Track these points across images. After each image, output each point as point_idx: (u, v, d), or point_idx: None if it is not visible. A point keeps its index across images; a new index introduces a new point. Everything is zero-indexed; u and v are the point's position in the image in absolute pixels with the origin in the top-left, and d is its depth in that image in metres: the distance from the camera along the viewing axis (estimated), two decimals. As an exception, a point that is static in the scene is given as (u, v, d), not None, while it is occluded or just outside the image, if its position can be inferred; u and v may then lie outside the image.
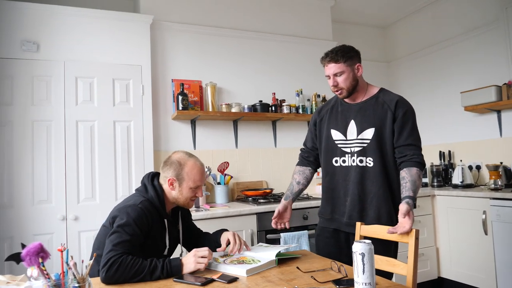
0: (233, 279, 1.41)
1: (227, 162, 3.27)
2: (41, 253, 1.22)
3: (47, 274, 1.21)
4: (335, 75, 1.89)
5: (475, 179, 3.62)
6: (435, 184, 3.74)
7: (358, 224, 1.81)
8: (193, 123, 3.32)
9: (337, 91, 1.92)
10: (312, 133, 2.12)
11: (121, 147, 2.93)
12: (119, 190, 2.89)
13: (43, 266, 1.22)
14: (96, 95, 2.89)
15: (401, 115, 1.84)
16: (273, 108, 3.49)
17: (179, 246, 1.88)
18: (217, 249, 1.81)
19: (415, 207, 1.72)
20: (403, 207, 1.66)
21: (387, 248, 1.82)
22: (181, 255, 1.89)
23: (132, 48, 3.03)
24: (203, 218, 2.61)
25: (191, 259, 1.52)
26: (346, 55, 1.87)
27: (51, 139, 2.74)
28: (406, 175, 1.77)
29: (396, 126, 1.85)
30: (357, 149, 1.90)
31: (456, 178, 3.51)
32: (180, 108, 3.07)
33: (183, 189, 1.70)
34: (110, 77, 2.94)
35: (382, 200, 1.84)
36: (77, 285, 1.22)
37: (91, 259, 1.39)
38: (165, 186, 1.71)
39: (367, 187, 1.87)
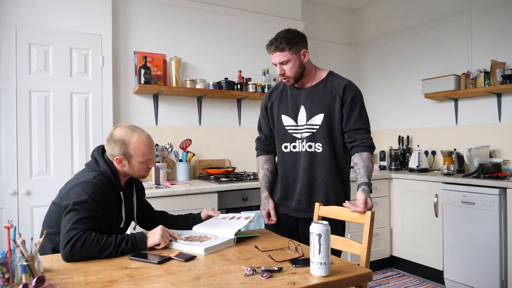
0: (190, 258, 1.40)
1: (190, 139, 3.21)
2: (-16, 230, 1.15)
3: (-9, 252, 1.15)
4: (281, 63, 1.86)
5: (430, 164, 3.78)
6: (393, 167, 3.87)
7: (317, 204, 1.85)
8: (155, 98, 3.22)
9: (284, 78, 1.91)
10: (265, 118, 2.09)
11: (78, 120, 2.80)
12: (75, 165, 2.78)
13: (-13, 243, 1.15)
14: (52, 64, 2.72)
15: (349, 100, 1.86)
16: (239, 86, 3.44)
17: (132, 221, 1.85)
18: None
19: (371, 191, 1.76)
20: (360, 196, 1.68)
21: (334, 227, 1.86)
22: (134, 228, 1.86)
23: (92, 16, 2.86)
24: (163, 196, 2.57)
25: (158, 231, 1.51)
26: (291, 42, 1.82)
27: (1, 109, 2.57)
28: (359, 161, 1.81)
29: (344, 111, 1.86)
30: (306, 134, 1.91)
31: (413, 162, 3.65)
32: (142, 82, 2.96)
33: (133, 165, 1.66)
34: (67, 45, 2.77)
35: (330, 185, 1.88)
36: (25, 263, 1.17)
37: (41, 236, 1.33)
38: (115, 163, 1.66)
39: (316, 173, 1.90)
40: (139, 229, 1.92)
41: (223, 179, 2.96)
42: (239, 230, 1.70)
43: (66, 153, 2.75)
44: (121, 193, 1.68)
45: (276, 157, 2.08)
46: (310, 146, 1.90)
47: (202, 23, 3.45)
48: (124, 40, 3.11)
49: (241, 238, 1.68)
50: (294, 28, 1.91)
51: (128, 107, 3.12)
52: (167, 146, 3.07)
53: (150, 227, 1.91)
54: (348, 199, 1.94)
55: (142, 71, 2.96)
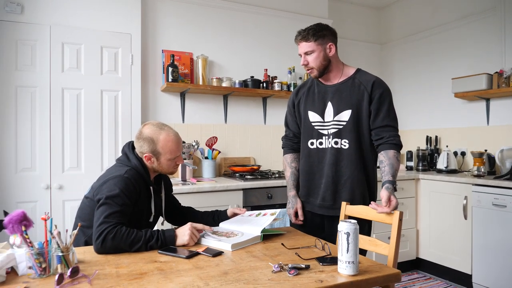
0: (218, 253, 1.41)
1: (216, 137, 3.25)
2: (24, 221, 1.20)
3: (30, 242, 1.20)
4: (306, 53, 1.87)
5: (459, 165, 3.68)
6: (420, 168, 3.79)
7: (343, 203, 1.83)
8: (182, 96, 3.26)
9: (308, 70, 1.91)
10: (292, 115, 2.09)
11: (108, 117, 2.88)
12: (105, 161, 2.86)
13: (26, 234, 1.20)
14: (83, 62, 2.81)
15: (377, 96, 1.84)
16: (264, 85, 3.45)
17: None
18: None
19: (395, 190, 1.74)
20: (384, 194, 1.66)
21: (361, 226, 1.84)
22: (162, 223, 1.89)
23: (122, 16, 2.93)
24: (190, 192, 2.61)
25: (187, 232, 1.53)
26: (317, 33, 1.84)
27: (36, 106, 2.67)
28: (384, 159, 1.79)
29: (372, 108, 1.84)
30: (333, 130, 1.89)
31: (441, 163, 3.57)
32: (170, 80, 3.01)
33: (161, 162, 1.70)
34: (98, 44, 2.85)
35: (356, 182, 1.86)
36: (60, 254, 1.21)
37: (74, 228, 1.38)
38: (144, 160, 1.70)
39: (341, 169, 1.88)
40: (167, 224, 1.96)
41: (248, 176, 2.97)
42: (265, 227, 1.71)
43: (96, 149, 2.84)
44: (151, 188, 1.72)
45: (301, 156, 2.07)
46: (336, 143, 1.88)
47: (228, 21, 3.48)
48: (152, 38, 3.17)
49: (267, 236, 1.69)
50: (326, 24, 1.90)
51: (155, 104, 3.18)
52: (194, 144, 3.11)
53: (177, 223, 1.94)
54: (374, 198, 1.93)
55: (170, 69, 3.01)
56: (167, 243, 1.50)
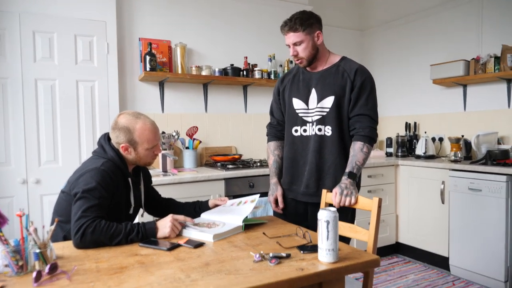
0: (199, 244, 1.41)
1: (196, 127, 3.21)
2: (-4, 218, 1.17)
3: (5, 240, 1.16)
4: (295, 44, 1.86)
5: (437, 151, 3.76)
6: (399, 154, 3.86)
7: (324, 191, 1.85)
8: (161, 85, 3.21)
9: (297, 60, 1.91)
10: (277, 103, 2.09)
11: (84, 108, 2.81)
12: (83, 153, 2.80)
13: (1, 231, 1.17)
14: (57, 52, 2.72)
15: (358, 84, 1.84)
16: (245, 73, 3.42)
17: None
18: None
19: (356, 180, 1.78)
20: (334, 190, 1.75)
21: (344, 215, 1.87)
22: (142, 215, 1.88)
23: (95, 2, 2.84)
24: (171, 183, 2.59)
25: (167, 224, 1.51)
26: (305, 23, 1.82)
27: (7, 98, 2.58)
28: (351, 151, 1.83)
29: (352, 96, 1.85)
30: (316, 117, 1.90)
31: (420, 149, 3.63)
32: (148, 69, 2.95)
33: (139, 152, 1.67)
34: (72, 33, 2.76)
35: (339, 169, 1.87)
36: (38, 250, 1.18)
37: (52, 224, 1.35)
38: (121, 151, 1.66)
39: (325, 156, 1.89)
40: (147, 216, 1.94)
41: (230, 166, 2.96)
42: (247, 217, 1.71)
43: (74, 142, 2.77)
44: (129, 179, 1.69)
45: (285, 143, 2.07)
46: (320, 129, 1.89)
47: (207, 8, 3.41)
48: (129, 26, 3.09)
49: (249, 225, 1.69)
50: (310, 10, 1.89)
51: (134, 94, 3.12)
52: (174, 134, 3.07)
53: (158, 214, 1.93)
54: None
55: (147, 58, 2.95)
56: (148, 236, 1.48)
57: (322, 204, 1.86)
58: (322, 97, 1.88)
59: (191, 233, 1.53)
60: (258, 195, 1.86)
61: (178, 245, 1.40)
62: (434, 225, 3.25)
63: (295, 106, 1.96)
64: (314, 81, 1.91)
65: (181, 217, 1.58)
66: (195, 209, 1.92)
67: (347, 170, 1.80)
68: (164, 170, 2.83)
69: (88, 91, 2.82)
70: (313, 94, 1.91)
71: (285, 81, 2.05)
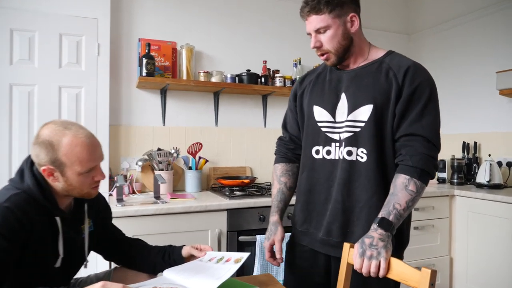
0: None
1: (200, 143, 2.69)
2: None
3: None
4: (318, 31, 1.29)
5: (505, 179, 2.98)
6: (455, 181, 3.11)
7: (346, 246, 1.25)
8: (163, 93, 2.74)
9: (322, 55, 1.33)
10: (293, 112, 1.53)
11: (68, 118, 2.38)
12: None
13: None
14: (37, 53, 2.32)
15: (410, 89, 1.23)
16: (263, 80, 2.88)
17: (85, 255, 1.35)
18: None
19: (391, 233, 1.18)
20: (355, 247, 1.21)
21: (385, 285, 1.26)
22: (85, 266, 1.37)
23: (86, -3, 2.43)
24: (154, 214, 2.06)
25: None
26: (333, 1, 1.25)
27: (-26, 105, 2.21)
28: (391, 187, 1.23)
29: (399, 105, 1.24)
30: (346, 135, 1.30)
31: (482, 176, 2.88)
32: (144, 74, 2.48)
33: (69, 179, 1.17)
34: (57, 31, 2.36)
35: (375, 213, 1.24)
36: None
37: None
38: (44, 176, 1.17)
39: (356, 192, 1.29)
40: (101, 266, 1.44)
41: (238, 193, 2.41)
42: (224, 280, 1.14)
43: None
44: (58, 219, 1.19)
45: (300, 168, 1.49)
46: (349, 153, 1.30)
47: (220, 5, 2.92)
48: (127, 25, 2.67)
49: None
50: None
51: (130, 104, 2.66)
52: (172, 151, 2.57)
53: (119, 260, 1.46)
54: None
55: (144, 60, 2.48)
56: None
57: (344, 264, 1.26)
58: (355, 106, 1.29)
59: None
60: (248, 254, 1.29)
61: None
62: (503, 273, 2.48)
63: (317, 118, 1.38)
64: (345, 83, 1.34)
65: (117, 286, 1.04)
66: (163, 257, 1.40)
67: (379, 215, 1.19)
68: (156, 196, 2.32)
69: (73, 99, 2.40)
70: (343, 101, 1.32)
71: (305, 82, 1.49)
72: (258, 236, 2.19)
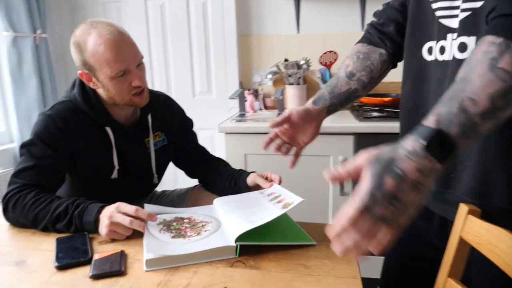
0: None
1: (335, 52, 2.22)
2: None
3: None
4: None
5: None
6: None
7: (463, 208, 0.76)
8: (297, -4, 2.33)
9: None
10: None
11: (196, 31, 2.31)
12: (196, 86, 2.37)
13: None
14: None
15: None
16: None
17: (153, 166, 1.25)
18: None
19: (443, 158, 0.53)
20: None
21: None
22: (157, 180, 1.28)
23: None
24: (265, 132, 1.83)
25: (105, 222, 0.90)
26: None
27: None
28: (465, 64, 0.60)
29: None
30: (462, 15, 0.73)
31: None
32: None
33: (104, 84, 1.04)
34: None
35: (499, 146, 0.70)
36: None
37: None
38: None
39: None
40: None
41: (375, 113, 1.92)
42: (257, 226, 0.85)
43: (186, 72, 2.36)
44: (108, 129, 1.10)
45: (402, 76, 0.93)
46: (462, 47, 0.74)
47: None
48: None
49: (267, 247, 0.85)
50: None
51: (259, 10, 2.37)
52: (301, 62, 2.21)
53: (197, 177, 1.35)
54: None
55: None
56: (84, 230, 0.93)
57: (455, 236, 0.77)
58: None
59: (150, 240, 0.86)
60: (301, 200, 0.92)
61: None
62: None
63: None
64: None
65: (130, 208, 0.89)
66: (230, 183, 1.20)
67: (430, 117, 0.56)
68: (280, 113, 2.08)
69: (200, 9, 2.28)
70: None
71: None
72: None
